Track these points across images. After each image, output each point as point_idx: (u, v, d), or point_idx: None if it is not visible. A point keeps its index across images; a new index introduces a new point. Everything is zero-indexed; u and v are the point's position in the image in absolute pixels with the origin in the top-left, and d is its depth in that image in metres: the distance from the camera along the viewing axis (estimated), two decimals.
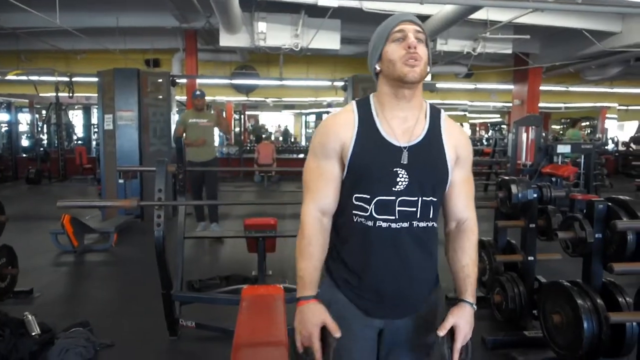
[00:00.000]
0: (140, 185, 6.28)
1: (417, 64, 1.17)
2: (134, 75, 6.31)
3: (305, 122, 20.38)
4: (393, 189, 1.19)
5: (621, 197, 2.30)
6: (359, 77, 7.25)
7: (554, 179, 6.41)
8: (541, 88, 10.55)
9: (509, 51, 8.18)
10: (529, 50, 9.18)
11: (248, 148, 13.89)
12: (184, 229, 3.26)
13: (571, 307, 2.26)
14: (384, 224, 1.21)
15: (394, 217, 1.20)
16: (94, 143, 13.71)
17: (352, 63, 11.22)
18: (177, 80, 7.32)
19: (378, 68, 1.25)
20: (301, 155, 14.06)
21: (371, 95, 1.29)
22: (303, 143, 17.21)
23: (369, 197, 1.21)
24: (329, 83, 8.70)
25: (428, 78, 1.34)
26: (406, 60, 1.17)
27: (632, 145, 13.87)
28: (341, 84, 7.71)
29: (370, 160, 1.20)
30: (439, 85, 12.04)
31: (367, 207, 1.21)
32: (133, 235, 5.54)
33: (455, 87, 13.11)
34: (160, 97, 6.54)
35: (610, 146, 14.39)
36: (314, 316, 1.19)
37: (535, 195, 2.91)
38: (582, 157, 6.86)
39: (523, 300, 2.88)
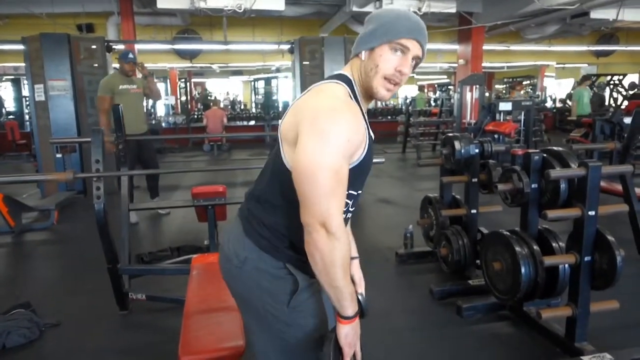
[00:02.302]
0: (80, 159, 5.96)
1: (395, 89, 1.17)
2: (64, 40, 5.86)
3: (255, 88, 19.93)
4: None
5: (555, 148, 2.41)
6: (305, 39, 7.10)
7: (496, 136, 6.66)
8: (484, 47, 10.79)
9: (453, 10, 8.26)
10: (472, 9, 9.30)
11: (196, 116, 13.46)
12: (127, 200, 3.14)
13: (510, 254, 2.39)
14: (349, 215, 1.25)
15: (354, 208, 1.25)
16: (26, 117, 12.83)
17: (298, 25, 10.97)
18: (114, 46, 6.87)
19: (364, 57, 1.17)
20: (252, 122, 13.80)
21: (353, 81, 1.19)
22: (253, 110, 16.85)
23: (356, 193, 1.20)
24: (276, 46, 8.47)
25: None
26: (386, 84, 1.16)
27: (568, 101, 14.61)
28: (287, 46, 7.53)
29: (371, 157, 1.19)
30: None
31: (349, 202, 1.20)
32: (76, 212, 5.29)
33: None
34: (96, 64, 6.12)
35: (549, 103, 15.11)
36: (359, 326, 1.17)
37: (477, 150, 3.01)
38: (522, 113, 7.16)
39: (467, 252, 3.02)
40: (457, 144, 3.00)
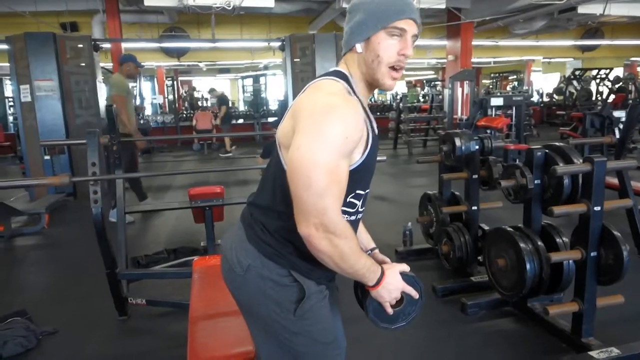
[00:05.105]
0: (69, 161, 5.85)
1: (399, 75, 1.14)
2: (50, 40, 5.73)
3: (243, 86, 19.79)
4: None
5: (556, 144, 2.41)
6: (296, 36, 7.05)
7: (488, 131, 6.68)
8: (473, 43, 10.83)
9: (443, 6, 8.28)
10: (460, 5, 9.33)
11: (185, 115, 13.32)
12: (123, 203, 3.07)
13: (514, 250, 2.38)
14: (360, 215, 1.22)
15: (364, 207, 1.22)
16: (10, 118, 12.57)
17: (287, 22, 10.90)
18: (101, 45, 6.74)
19: (360, 50, 1.12)
20: (240, 121, 13.69)
21: (349, 76, 1.14)
22: (241, 108, 16.72)
23: (363, 192, 1.17)
24: (265, 44, 8.40)
25: None
26: (391, 72, 1.12)
27: (554, 96, 14.78)
28: (278, 44, 7.46)
29: (375, 155, 1.15)
30: None
31: (358, 202, 1.17)
32: (67, 215, 5.19)
33: None
34: (83, 64, 6.00)
35: (536, 97, 15.26)
36: (395, 272, 1.14)
37: (477, 147, 3.00)
38: (514, 109, 7.19)
39: (469, 248, 3.02)
40: (457, 141, 2.98)
